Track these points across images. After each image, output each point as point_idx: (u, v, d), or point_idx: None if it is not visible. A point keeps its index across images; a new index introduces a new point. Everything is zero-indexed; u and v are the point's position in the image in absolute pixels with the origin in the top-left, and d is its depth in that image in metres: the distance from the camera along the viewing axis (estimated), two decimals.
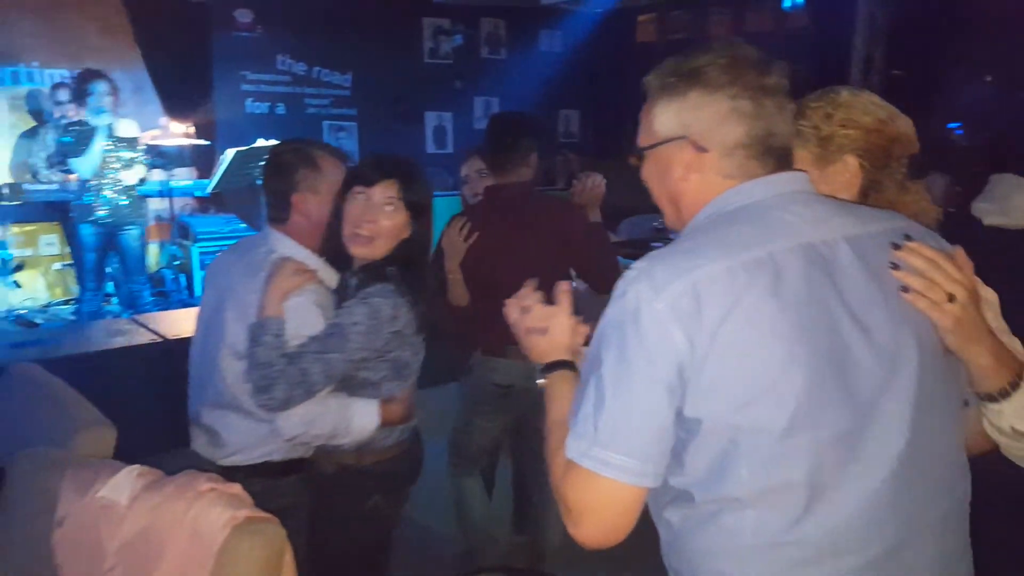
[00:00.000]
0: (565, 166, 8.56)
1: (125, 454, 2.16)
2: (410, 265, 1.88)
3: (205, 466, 1.94)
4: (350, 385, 1.88)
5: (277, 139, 5.47)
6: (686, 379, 1.02)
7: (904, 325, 1.09)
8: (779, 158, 1.14)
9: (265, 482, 1.96)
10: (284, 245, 2.01)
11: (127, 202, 5.01)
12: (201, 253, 6.00)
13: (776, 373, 1.02)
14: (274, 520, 1.60)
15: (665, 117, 1.16)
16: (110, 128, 4.85)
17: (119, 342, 3.99)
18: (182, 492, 1.62)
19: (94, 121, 4.80)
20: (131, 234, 5.13)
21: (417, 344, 1.94)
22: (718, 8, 8.91)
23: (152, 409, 3.79)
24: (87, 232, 4.98)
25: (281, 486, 2.01)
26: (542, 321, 1.33)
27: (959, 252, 1.16)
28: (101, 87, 4.78)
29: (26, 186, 5.64)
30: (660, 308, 1.02)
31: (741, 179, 1.13)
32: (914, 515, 1.07)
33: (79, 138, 4.81)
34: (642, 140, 1.21)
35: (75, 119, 5.04)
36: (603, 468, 1.04)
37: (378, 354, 1.85)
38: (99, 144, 4.78)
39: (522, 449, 2.97)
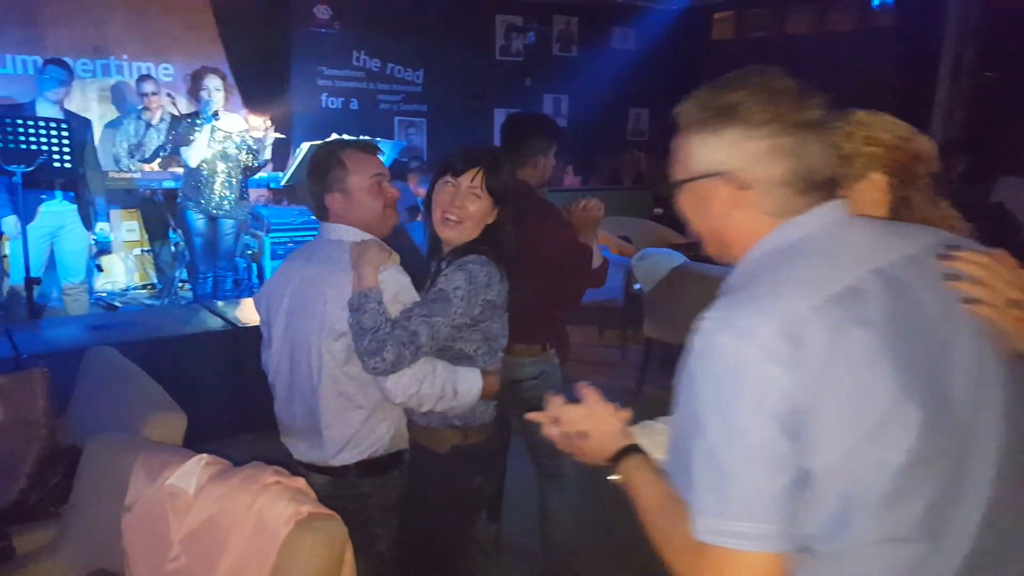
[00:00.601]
0: (632, 164, 8.47)
1: (191, 438, 2.21)
2: (495, 246, 2.00)
3: (302, 471, 1.97)
4: (447, 357, 1.96)
5: (350, 134, 5.56)
6: (800, 426, 0.95)
7: (976, 337, 1.06)
8: (824, 190, 1.09)
9: (375, 479, 2.01)
10: (348, 232, 2.05)
11: (232, 194, 5.14)
12: (273, 243, 6.12)
13: (891, 409, 0.97)
14: (336, 517, 1.61)
15: (702, 152, 1.11)
16: (217, 120, 4.99)
17: (192, 328, 4.09)
18: (248, 484, 1.64)
19: (205, 113, 4.94)
20: (229, 223, 5.25)
21: (505, 318, 2.04)
22: (799, 5, 8.68)
23: (219, 395, 3.89)
24: (192, 218, 5.12)
25: (389, 480, 2.04)
26: (579, 425, 1.27)
27: (1003, 254, 1.13)
28: (214, 81, 4.93)
29: (113, 174, 5.84)
30: (754, 355, 0.95)
31: (787, 215, 1.08)
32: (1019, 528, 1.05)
33: (189, 129, 4.96)
34: (677, 172, 1.16)
35: (187, 111, 5.21)
36: (744, 542, 0.95)
37: (473, 322, 1.95)
38: (207, 135, 4.92)
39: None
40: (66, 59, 6.17)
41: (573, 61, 8.81)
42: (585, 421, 1.27)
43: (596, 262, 2.75)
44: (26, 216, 4.39)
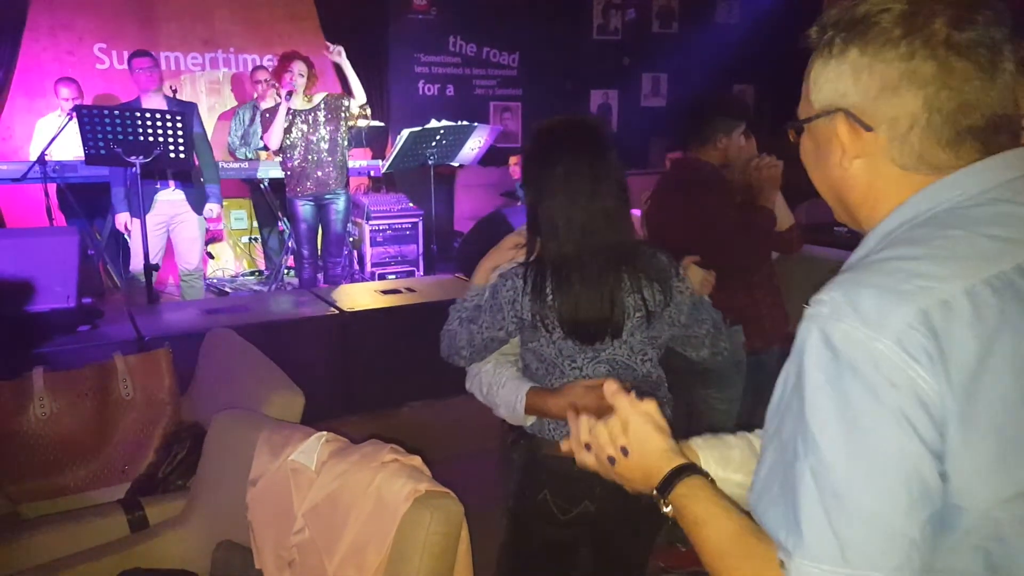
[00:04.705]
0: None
1: (301, 418, 2.26)
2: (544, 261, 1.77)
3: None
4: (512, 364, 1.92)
5: (448, 120, 5.58)
6: (944, 438, 0.73)
7: None
8: (986, 141, 0.83)
9: None
10: (521, 219, 2.05)
11: (332, 173, 5.19)
12: (372, 231, 6.24)
13: None
14: (452, 495, 1.60)
15: (821, 83, 0.90)
16: (290, 101, 5.05)
17: (300, 312, 4.21)
18: (367, 461, 1.66)
19: (295, 100, 5.02)
20: (336, 208, 5.32)
21: (553, 339, 1.78)
22: None
23: (326, 377, 3.99)
24: (297, 204, 5.24)
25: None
26: (617, 442, 1.00)
27: None
28: (299, 67, 5.01)
29: (223, 164, 6.06)
30: (884, 348, 0.73)
31: (929, 171, 0.84)
32: None
33: (271, 115, 5.08)
34: (800, 111, 0.95)
35: (275, 100, 5.33)
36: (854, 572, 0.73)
37: (520, 336, 1.84)
38: (282, 117, 5.01)
39: None
40: (176, 53, 6.48)
41: (673, 38, 8.59)
42: (620, 436, 1.00)
43: (784, 223, 2.69)
44: (142, 207, 4.60)
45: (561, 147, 1.73)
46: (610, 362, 1.79)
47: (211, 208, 5.06)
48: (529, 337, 1.81)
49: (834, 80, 0.87)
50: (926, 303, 0.74)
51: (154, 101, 4.82)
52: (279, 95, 5.00)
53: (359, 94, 5.18)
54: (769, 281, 2.85)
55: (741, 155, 2.70)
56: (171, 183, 4.87)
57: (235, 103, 6.79)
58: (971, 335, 0.73)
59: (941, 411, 0.73)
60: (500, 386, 1.84)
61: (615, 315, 1.72)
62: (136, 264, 4.85)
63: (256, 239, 6.83)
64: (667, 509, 0.97)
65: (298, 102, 5.04)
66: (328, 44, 5.24)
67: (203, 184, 5.01)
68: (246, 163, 6.03)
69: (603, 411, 1.04)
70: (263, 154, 5.96)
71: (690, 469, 0.96)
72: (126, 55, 6.27)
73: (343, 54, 5.13)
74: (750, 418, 2.90)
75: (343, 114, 5.13)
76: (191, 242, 5.05)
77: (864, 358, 0.73)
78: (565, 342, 1.76)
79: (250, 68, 6.77)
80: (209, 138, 5.20)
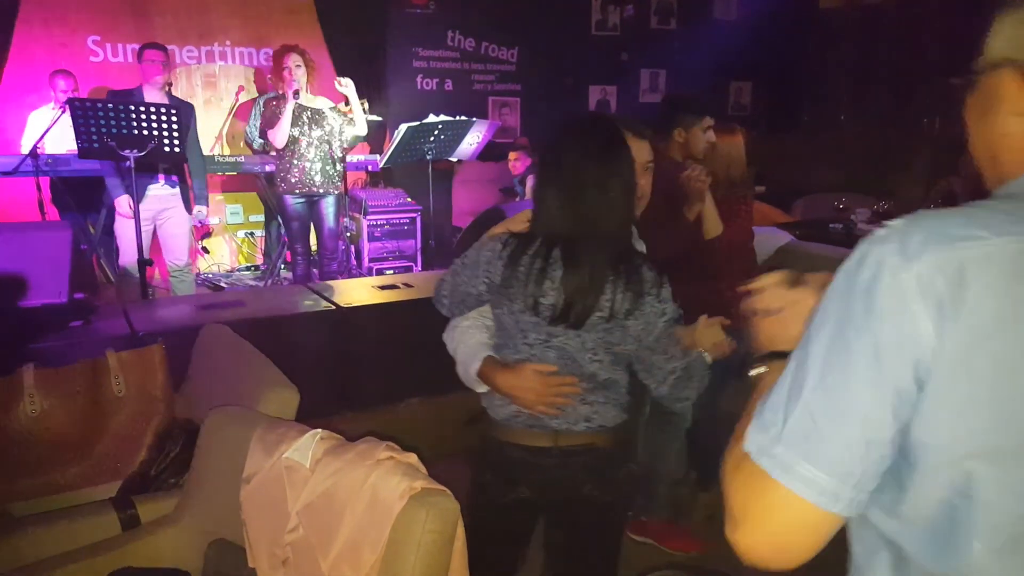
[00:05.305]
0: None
1: (297, 415, 2.23)
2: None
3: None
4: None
5: (446, 115, 5.55)
6: (922, 383, 0.76)
7: None
8: None
9: None
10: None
11: (320, 175, 5.20)
12: (370, 226, 6.21)
13: None
14: (447, 493, 1.58)
15: (995, 34, 0.87)
16: (299, 99, 5.05)
17: (295, 308, 4.18)
18: (362, 459, 1.63)
19: (290, 94, 5.01)
20: (328, 203, 5.31)
21: (514, 309, 1.82)
22: None
23: (322, 373, 3.95)
24: (288, 201, 5.22)
25: None
26: (779, 301, 1.06)
27: None
28: (294, 59, 5.00)
29: (219, 157, 6.02)
30: (906, 279, 0.75)
31: None
32: None
33: (275, 111, 5.06)
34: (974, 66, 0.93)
35: (272, 93, 5.30)
36: (783, 474, 0.80)
37: (479, 301, 1.90)
38: (289, 115, 5.00)
39: None
40: (171, 46, 6.42)
41: (672, 34, 8.55)
42: (784, 300, 1.06)
43: (711, 232, 2.84)
44: (136, 201, 4.55)
45: (579, 136, 1.81)
46: (559, 349, 1.81)
47: (200, 210, 5.05)
48: (496, 303, 1.86)
49: (1006, 34, 0.86)
50: (968, 253, 0.75)
51: (155, 96, 4.78)
52: (287, 95, 5.00)
53: (361, 126, 5.25)
54: (746, 276, 2.94)
55: (702, 150, 2.98)
56: (160, 178, 4.84)
57: (224, 96, 6.73)
58: (998, 291, 0.74)
59: (935, 355, 0.75)
60: (465, 345, 1.92)
61: (580, 304, 1.74)
62: (125, 259, 4.82)
63: (252, 233, 6.81)
64: (757, 371, 1.02)
65: (303, 96, 5.04)
66: (339, 78, 5.31)
67: (191, 183, 4.99)
68: (242, 158, 5.99)
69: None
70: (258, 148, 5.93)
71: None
72: (120, 48, 6.27)
73: (352, 87, 5.21)
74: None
75: (340, 134, 5.21)
76: (179, 238, 5.00)
77: (884, 282, 0.76)
78: (523, 315, 1.80)
79: (247, 62, 6.74)
80: (198, 130, 5.18)
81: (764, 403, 0.85)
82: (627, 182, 1.80)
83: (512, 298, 1.80)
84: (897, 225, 0.80)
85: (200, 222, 5.21)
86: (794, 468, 0.79)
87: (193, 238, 5.21)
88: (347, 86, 5.18)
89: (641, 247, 2.04)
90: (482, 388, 1.90)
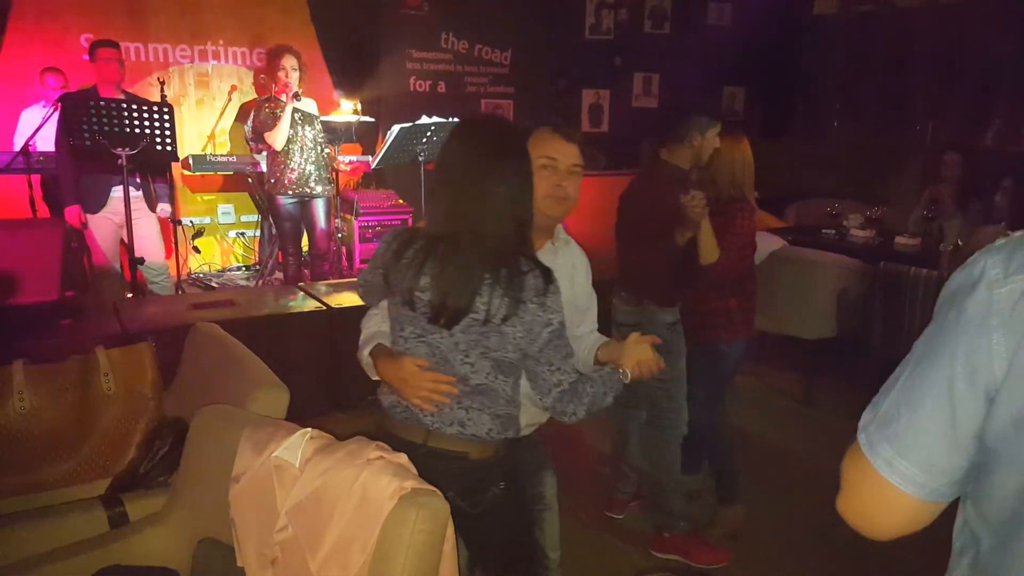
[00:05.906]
0: None
1: (287, 414, 2.22)
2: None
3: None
4: None
5: (439, 117, 5.55)
6: (991, 398, 0.80)
7: None
8: None
9: None
10: None
11: (318, 172, 5.19)
12: (361, 227, 6.20)
13: None
14: (437, 493, 1.58)
15: None
16: (298, 102, 5.04)
17: (286, 308, 4.18)
18: (352, 459, 1.63)
19: (290, 97, 5.00)
20: (319, 204, 5.30)
21: (395, 301, 1.86)
22: None
23: (313, 373, 3.95)
24: (280, 201, 5.20)
25: None
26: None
27: None
28: (289, 60, 4.99)
29: (211, 157, 5.99)
30: (998, 295, 0.79)
31: None
32: None
33: (271, 113, 5.04)
34: None
35: (266, 95, 5.29)
36: (869, 451, 0.87)
37: (383, 292, 1.92)
38: (288, 117, 4.99)
39: None
40: (164, 45, 6.39)
41: (665, 39, 8.57)
42: None
43: (707, 258, 2.87)
44: (98, 202, 4.55)
45: (464, 137, 1.81)
46: (432, 347, 1.81)
47: (163, 208, 5.01)
48: (386, 293, 1.91)
49: None
50: None
51: (112, 95, 4.66)
52: (284, 96, 4.99)
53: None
54: (742, 283, 3.06)
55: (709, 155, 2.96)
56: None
57: (217, 96, 6.71)
58: None
59: (999, 373, 0.79)
60: (366, 331, 1.98)
61: (453, 303, 1.73)
62: (99, 259, 4.78)
63: (244, 233, 6.79)
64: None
65: (292, 98, 5.05)
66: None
67: (155, 182, 4.94)
68: (234, 158, 5.97)
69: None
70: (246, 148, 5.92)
71: None
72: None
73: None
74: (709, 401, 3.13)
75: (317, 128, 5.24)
76: (148, 238, 4.89)
77: (980, 291, 0.81)
78: (402, 308, 1.84)
79: (239, 62, 6.72)
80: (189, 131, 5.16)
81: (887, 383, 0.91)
82: (512, 185, 1.76)
83: (394, 291, 1.84)
84: (1013, 239, 0.83)
85: (169, 219, 5.18)
86: (877, 448, 0.86)
87: (161, 241, 5.11)
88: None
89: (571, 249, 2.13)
90: (375, 375, 1.94)
